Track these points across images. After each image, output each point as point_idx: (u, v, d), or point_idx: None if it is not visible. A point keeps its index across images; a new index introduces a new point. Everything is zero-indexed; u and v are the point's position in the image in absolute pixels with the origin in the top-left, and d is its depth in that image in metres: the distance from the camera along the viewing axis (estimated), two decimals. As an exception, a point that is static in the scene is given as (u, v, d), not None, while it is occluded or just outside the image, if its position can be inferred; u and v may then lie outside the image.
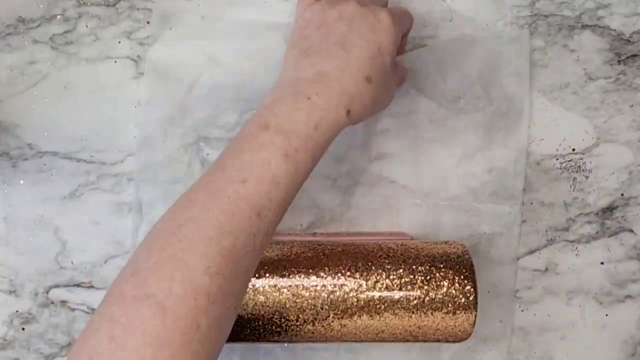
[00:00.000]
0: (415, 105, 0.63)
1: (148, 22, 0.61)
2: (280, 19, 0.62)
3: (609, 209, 0.65)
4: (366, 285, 0.55)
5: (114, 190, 0.62)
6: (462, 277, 0.56)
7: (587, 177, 0.64)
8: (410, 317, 0.55)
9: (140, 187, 0.62)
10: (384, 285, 0.55)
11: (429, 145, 0.63)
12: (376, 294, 0.55)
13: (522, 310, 0.65)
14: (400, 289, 0.55)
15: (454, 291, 0.55)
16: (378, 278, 0.55)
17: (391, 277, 0.55)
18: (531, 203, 0.64)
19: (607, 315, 0.65)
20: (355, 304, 0.55)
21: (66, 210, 0.62)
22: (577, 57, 0.64)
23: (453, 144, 0.63)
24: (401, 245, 0.58)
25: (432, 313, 0.55)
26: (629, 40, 0.64)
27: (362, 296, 0.55)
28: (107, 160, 0.62)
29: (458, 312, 0.55)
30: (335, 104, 0.49)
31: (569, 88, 0.64)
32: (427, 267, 0.56)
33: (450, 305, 0.55)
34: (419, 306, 0.55)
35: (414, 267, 0.56)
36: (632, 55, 0.64)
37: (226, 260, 0.44)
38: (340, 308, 0.55)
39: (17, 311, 0.62)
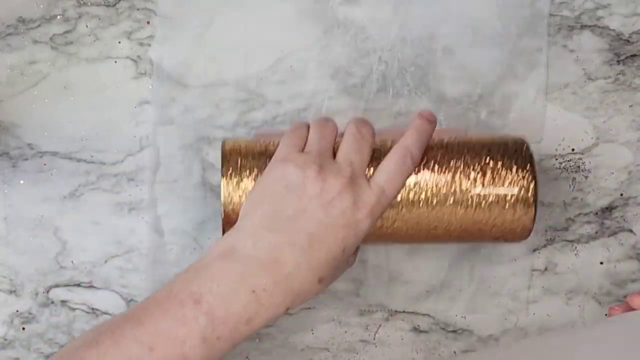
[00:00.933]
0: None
1: (148, 22, 0.61)
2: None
3: (609, 209, 0.65)
4: (417, 177, 0.52)
5: (114, 190, 0.62)
6: (522, 168, 0.53)
7: (586, 177, 0.64)
8: (466, 210, 0.52)
9: (140, 187, 0.62)
10: (438, 178, 0.52)
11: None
12: (430, 186, 0.52)
13: (522, 310, 0.65)
14: (454, 181, 0.52)
15: (513, 183, 0.52)
16: (432, 170, 0.52)
17: (444, 168, 0.53)
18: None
19: (606, 315, 0.65)
20: (406, 197, 0.52)
21: (66, 210, 0.62)
22: (576, 57, 0.64)
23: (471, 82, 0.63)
24: (455, 137, 0.55)
25: (489, 206, 0.52)
26: (628, 41, 0.64)
27: (414, 189, 0.52)
28: (107, 160, 0.62)
29: (517, 205, 0.53)
30: (278, 302, 0.47)
31: (568, 88, 0.64)
32: (484, 158, 0.53)
33: (509, 198, 0.52)
34: (475, 199, 0.52)
35: (469, 158, 0.53)
36: (632, 56, 0.64)
37: None
38: (393, 202, 0.52)
39: (17, 311, 0.62)
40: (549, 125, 0.64)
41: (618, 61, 0.64)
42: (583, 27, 0.64)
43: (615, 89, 0.64)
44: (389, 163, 0.51)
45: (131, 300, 0.62)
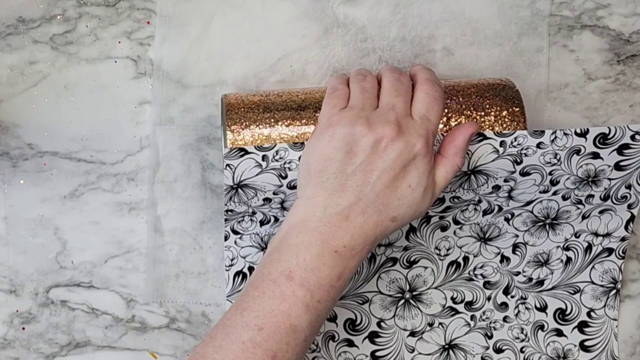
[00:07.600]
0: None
1: (148, 22, 0.61)
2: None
3: (609, 209, 0.65)
4: None
5: (114, 190, 0.62)
6: (510, 104, 0.56)
7: (586, 177, 0.64)
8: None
9: (141, 187, 0.62)
10: None
11: None
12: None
13: (522, 310, 0.65)
14: (449, 120, 0.56)
15: (502, 119, 0.56)
16: None
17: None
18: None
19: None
20: None
21: (66, 210, 0.62)
22: (576, 57, 0.64)
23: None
24: (444, 81, 0.58)
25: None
26: (628, 40, 0.64)
27: None
28: (107, 160, 0.62)
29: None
30: (359, 251, 0.50)
31: (568, 88, 0.64)
32: (474, 98, 0.57)
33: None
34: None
35: (460, 98, 0.56)
36: (632, 55, 0.64)
37: None
38: None
39: (17, 311, 0.62)
40: (549, 125, 0.64)
41: (618, 61, 0.64)
42: (583, 27, 0.64)
43: (615, 89, 0.64)
44: (420, 94, 0.53)
45: (131, 300, 0.62)
